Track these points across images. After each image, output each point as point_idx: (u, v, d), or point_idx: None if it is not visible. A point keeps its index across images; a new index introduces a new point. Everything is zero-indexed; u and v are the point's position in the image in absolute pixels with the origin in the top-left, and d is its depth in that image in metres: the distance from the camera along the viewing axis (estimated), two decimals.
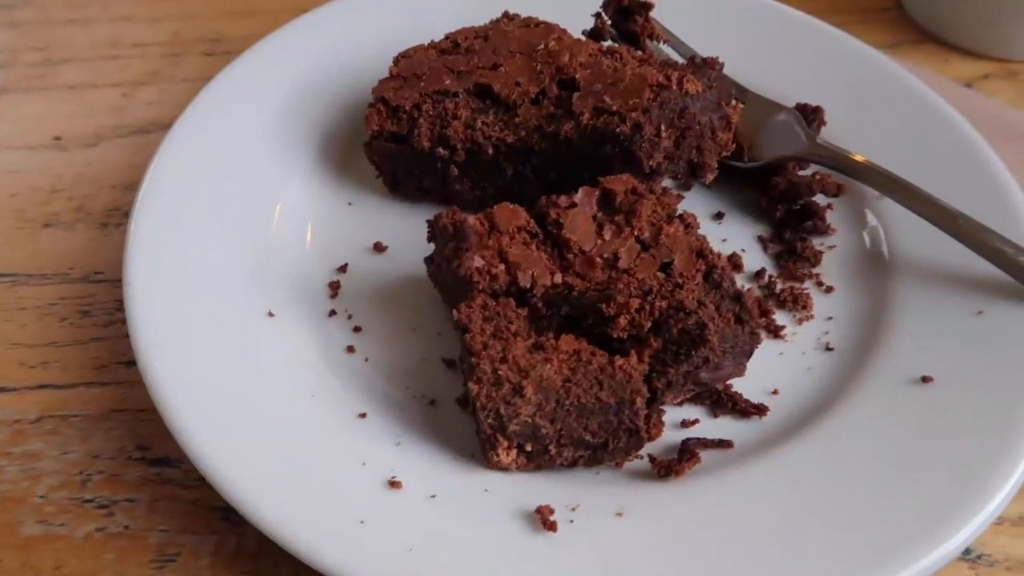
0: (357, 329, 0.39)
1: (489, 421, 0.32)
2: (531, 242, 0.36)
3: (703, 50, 0.45)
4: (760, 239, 0.44)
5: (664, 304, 0.35)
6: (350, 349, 0.38)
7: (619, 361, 0.33)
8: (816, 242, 0.43)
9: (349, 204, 0.44)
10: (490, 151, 0.41)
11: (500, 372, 0.32)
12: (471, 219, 0.36)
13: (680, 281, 0.35)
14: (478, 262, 0.35)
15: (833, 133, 0.46)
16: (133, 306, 0.35)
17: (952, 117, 0.46)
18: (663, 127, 0.39)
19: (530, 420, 0.32)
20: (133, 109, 0.51)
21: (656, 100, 0.39)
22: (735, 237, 0.44)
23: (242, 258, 0.39)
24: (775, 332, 0.40)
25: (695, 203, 0.46)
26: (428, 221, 0.37)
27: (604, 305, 0.35)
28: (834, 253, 0.43)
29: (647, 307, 0.35)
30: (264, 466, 0.32)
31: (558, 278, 0.36)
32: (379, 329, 0.39)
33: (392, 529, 0.30)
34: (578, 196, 0.37)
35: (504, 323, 0.34)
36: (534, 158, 0.41)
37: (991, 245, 0.38)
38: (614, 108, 0.39)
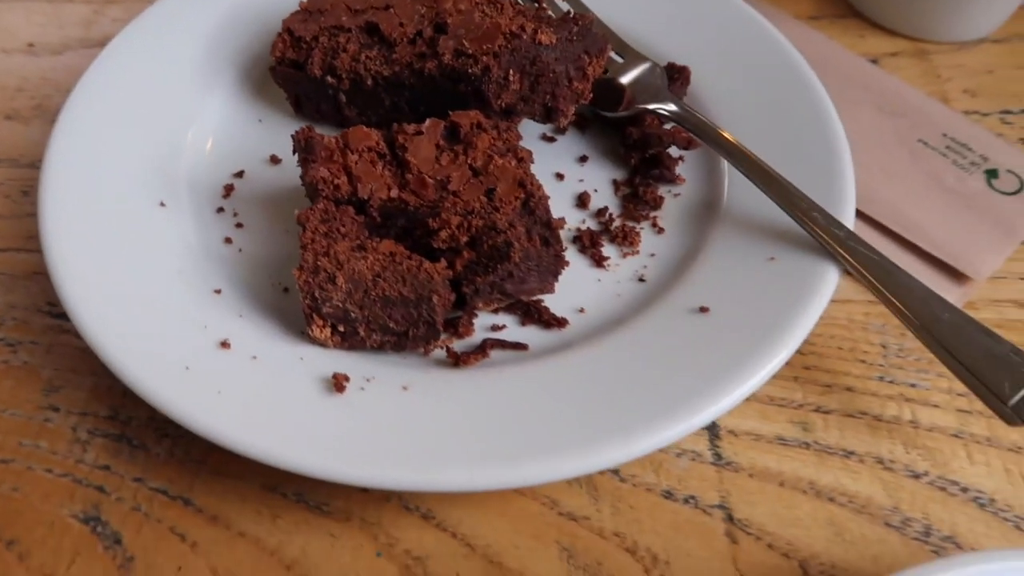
0: (239, 225, 0.46)
1: (307, 302, 0.38)
2: (378, 161, 0.42)
3: (604, 11, 0.50)
4: (614, 182, 0.49)
5: (481, 223, 0.40)
6: (228, 240, 0.45)
7: (426, 264, 0.39)
8: (664, 189, 0.48)
9: (259, 121, 0.51)
10: (369, 82, 0.46)
11: (320, 263, 0.38)
12: (327, 137, 0.42)
13: (499, 205, 0.41)
14: (322, 172, 0.41)
15: (704, 93, 0.51)
16: (44, 187, 0.43)
17: (814, 87, 0.49)
18: (512, 71, 0.44)
19: (341, 305, 0.38)
20: (100, 24, 0.58)
21: (508, 47, 0.44)
22: (592, 179, 0.49)
23: (150, 157, 0.46)
24: (599, 262, 0.45)
25: (567, 146, 0.51)
26: (291, 136, 0.43)
27: (431, 220, 0.41)
28: (677, 200, 0.48)
29: (466, 224, 0.40)
30: (123, 322, 0.39)
31: (394, 193, 0.41)
32: (258, 227, 0.46)
33: (211, 376, 0.37)
34: (425, 125, 0.43)
35: (338, 226, 0.40)
36: (407, 92, 0.47)
37: (802, 208, 0.42)
38: (470, 51, 0.44)
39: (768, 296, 0.40)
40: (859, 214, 0.49)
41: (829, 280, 0.41)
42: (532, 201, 0.41)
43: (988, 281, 0.48)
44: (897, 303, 0.39)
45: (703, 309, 0.41)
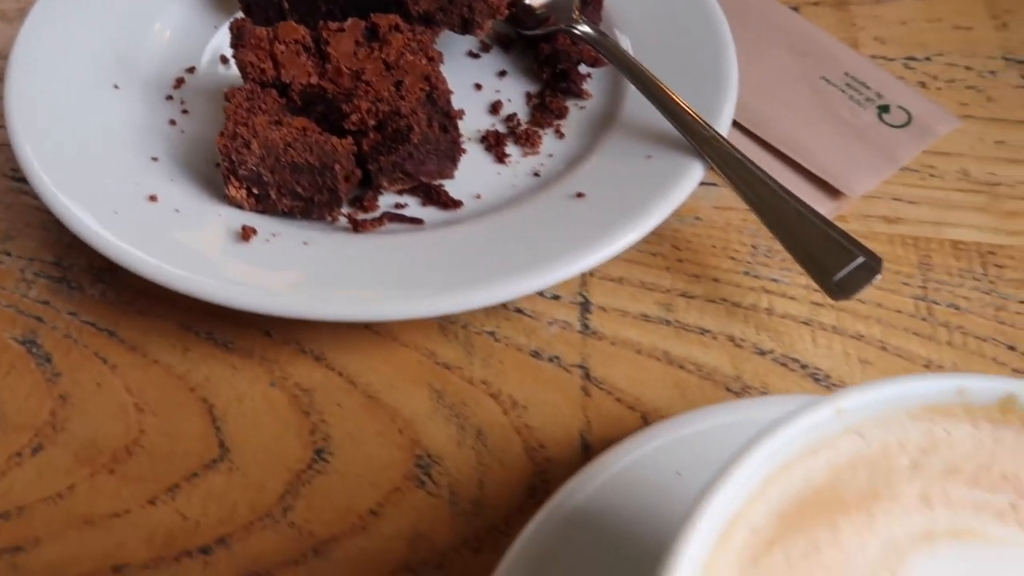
0: (185, 111, 0.51)
1: (225, 164, 0.44)
2: (303, 53, 0.47)
3: None
4: (528, 95, 0.54)
5: (387, 109, 0.46)
6: (172, 122, 0.50)
7: (333, 139, 0.44)
8: (571, 102, 0.53)
9: (215, 27, 0.56)
10: None
11: (238, 130, 0.44)
12: (259, 29, 0.47)
13: (404, 95, 0.46)
14: (251, 56, 0.46)
15: (616, 20, 0.56)
16: (11, 69, 0.49)
17: (717, 20, 0.54)
18: None
19: (255, 168, 0.44)
20: None
21: None
22: (508, 91, 0.54)
23: (109, 47, 0.52)
24: (501, 158, 0.50)
25: (489, 63, 0.56)
26: (228, 27, 0.48)
27: (344, 105, 0.46)
28: (582, 112, 0.53)
29: (374, 109, 0.46)
30: (70, 181, 0.44)
31: (314, 80, 0.47)
32: (201, 114, 0.51)
33: (136, 222, 0.43)
34: (347, 24, 0.48)
35: (260, 103, 0.46)
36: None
37: (681, 118, 0.47)
38: None
39: (638, 185, 0.45)
40: (755, 138, 0.54)
41: (694, 173, 0.45)
42: (435, 93, 0.46)
43: (862, 199, 0.52)
44: (748, 193, 0.44)
45: (580, 195, 0.46)
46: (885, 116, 0.56)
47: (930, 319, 0.46)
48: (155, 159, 0.47)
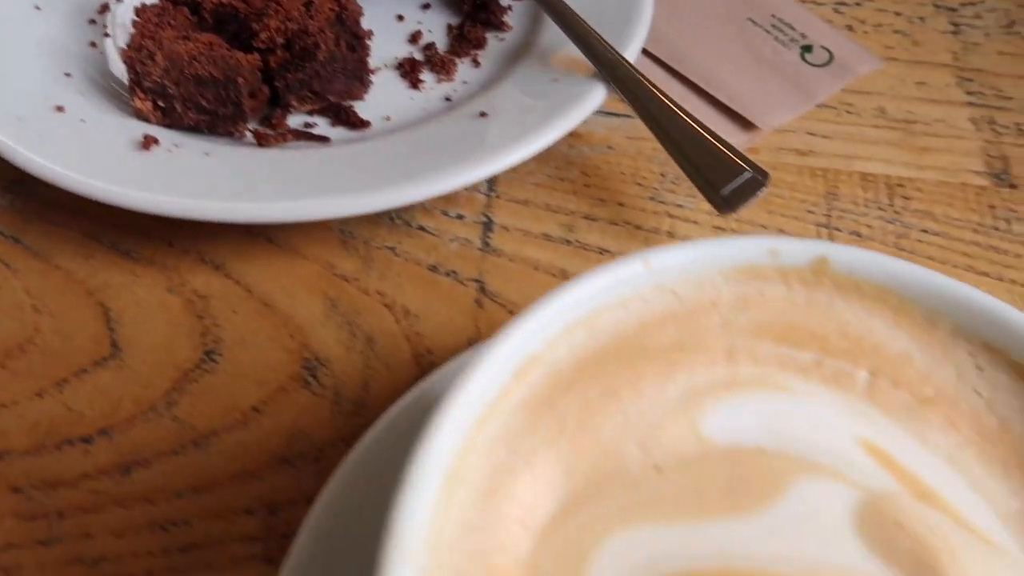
0: (106, 35, 0.52)
1: (130, 76, 0.44)
2: None
3: None
4: (449, 26, 0.54)
5: (296, 27, 0.46)
6: (92, 44, 0.51)
7: (238, 54, 0.45)
8: (491, 34, 0.54)
9: None
10: None
11: (144, 43, 0.44)
12: None
13: (313, 15, 0.46)
14: None
15: None
16: None
17: None
18: None
19: (159, 80, 0.44)
20: None
21: None
22: (429, 22, 0.54)
23: None
24: (415, 84, 0.50)
25: None
26: None
27: (255, 24, 0.47)
28: (501, 44, 0.53)
29: (283, 28, 0.46)
30: None
31: None
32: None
33: (39, 131, 0.43)
34: None
35: (169, 19, 0.46)
36: None
37: (593, 46, 0.48)
38: None
39: (540, 106, 0.46)
40: (675, 73, 0.54)
41: (597, 94, 0.46)
42: (344, 13, 0.47)
43: (777, 133, 0.52)
44: (646, 112, 0.44)
45: (483, 114, 0.46)
46: (807, 56, 0.56)
47: None
48: (68, 75, 0.48)
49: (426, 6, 0.55)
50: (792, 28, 0.58)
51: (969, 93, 0.56)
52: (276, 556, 0.34)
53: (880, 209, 0.48)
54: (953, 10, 0.61)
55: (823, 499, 0.23)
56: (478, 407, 0.22)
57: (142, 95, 0.45)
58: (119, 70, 0.47)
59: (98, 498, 0.36)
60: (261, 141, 0.46)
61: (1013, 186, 0.51)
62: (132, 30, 0.45)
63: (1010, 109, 0.55)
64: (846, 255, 0.26)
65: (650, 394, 0.24)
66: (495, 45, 0.53)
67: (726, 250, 0.26)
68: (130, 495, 0.36)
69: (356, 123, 0.48)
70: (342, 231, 0.45)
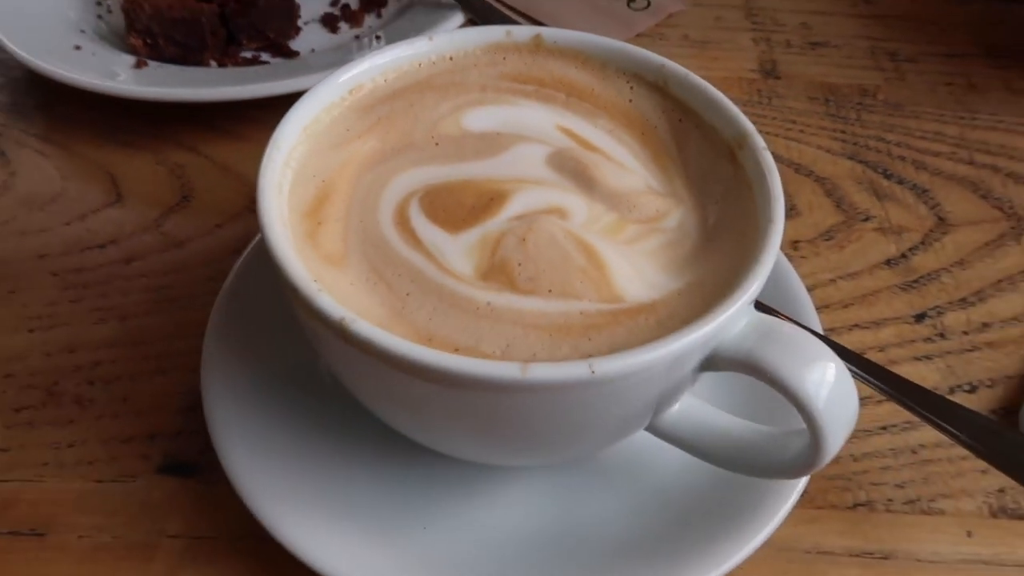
0: (110, 11, 0.71)
1: (127, 20, 0.63)
2: None
3: None
4: None
5: None
6: (98, 3, 0.70)
7: (203, 4, 0.64)
8: None
9: None
10: None
11: None
12: None
13: None
14: None
15: None
16: None
17: None
18: None
19: (147, 23, 0.63)
20: None
21: None
22: None
23: None
24: (334, 30, 0.69)
25: None
26: None
27: None
28: (400, 2, 0.73)
29: None
30: (26, 36, 0.63)
31: None
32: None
33: (63, 59, 0.62)
34: None
35: None
36: None
37: None
38: None
39: (412, 28, 0.64)
40: (517, 11, 0.73)
41: (457, 18, 0.64)
42: None
43: None
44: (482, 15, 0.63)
45: (378, 37, 0.65)
46: (632, 4, 0.76)
47: None
48: (82, 31, 0.66)
49: None
50: None
51: (754, 24, 0.75)
52: None
53: None
54: None
55: (530, 152, 0.40)
56: (326, 103, 0.40)
57: (135, 35, 0.63)
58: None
59: (110, 276, 0.53)
60: (221, 64, 0.64)
61: (777, 77, 0.69)
62: None
63: (783, 31, 0.74)
64: (552, 33, 0.43)
65: (432, 106, 0.41)
66: (393, 3, 0.72)
67: (482, 33, 0.43)
68: (131, 274, 0.53)
69: (288, 54, 0.66)
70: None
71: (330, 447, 0.41)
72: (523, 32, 0.44)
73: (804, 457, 0.34)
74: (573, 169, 0.39)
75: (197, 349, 0.43)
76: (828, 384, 0.31)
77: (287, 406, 0.42)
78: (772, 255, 0.33)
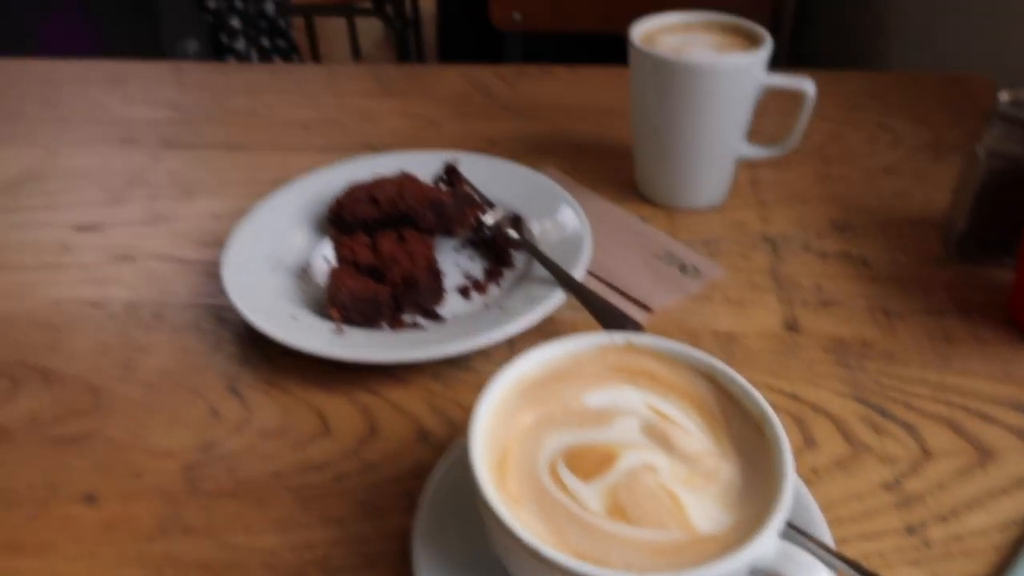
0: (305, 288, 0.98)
1: (328, 299, 0.90)
2: (368, 246, 0.95)
3: (490, 190, 1.05)
4: (484, 267, 1.00)
5: (407, 273, 0.92)
6: (302, 285, 0.97)
7: (380, 287, 0.90)
8: (506, 270, 0.99)
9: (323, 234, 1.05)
10: (366, 221, 1.01)
11: (337, 285, 0.90)
12: (345, 237, 0.95)
13: (415, 264, 0.92)
14: (343, 250, 0.94)
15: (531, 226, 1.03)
16: (227, 254, 0.97)
17: (584, 221, 1.01)
18: (429, 212, 0.97)
19: (344, 301, 0.89)
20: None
21: (427, 200, 0.97)
22: (474, 264, 1.00)
23: (274, 249, 1.01)
24: (466, 297, 0.95)
25: (465, 249, 1.03)
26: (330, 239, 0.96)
27: (387, 272, 0.92)
28: (513, 272, 0.98)
29: (399, 271, 0.92)
30: (255, 305, 0.90)
31: (372, 259, 0.93)
32: (317, 288, 0.98)
33: (283, 325, 0.88)
34: (387, 233, 0.96)
35: (348, 271, 0.92)
36: (386, 220, 1.00)
37: (557, 270, 0.93)
38: (411, 203, 0.98)
39: (528, 302, 0.89)
40: (605, 282, 0.99)
41: (559, 295, 0.89)
42: (430, 263, 0.93)
43: (664, 312, 0.95)
44: (577, 291, 0.88)
45: (500, 308, 0.90)
46: (683, 271, 1.01)
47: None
48: (295, 302, 0.93)
49: (471, 256, 1.02)
50: (675, 257, 1.03)
51: (778, 286, 0.99)
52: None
53: (716, 349, 0.90)
54: (771, 241, 1.06)
55: (629, 423, 0.63)
56: (499, 391, 0.63)
57: (335, 308, 0.89)
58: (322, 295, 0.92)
59: (328, 491, 0.75)
60: (392, 327, 0.89)
61: (798, 331, 0.92)
62: (327, 279, 0.91)
63: (801, 292, 0.98)
64: (639, 338, 0.67)
65: (564, 389, 0.65)
66: (508, 274, 0.98)
67: (593, 339, 0.67)
68: (342, 490, 0.75)
69: (436, 318, 0.92)
70: (433, 373, 0.87)
71: None
72: (619, 337, 0.68)
73: None
74: (658, 436, 0.61)
75: (403, 549, 0.65)
76: None
77: None
78: (789, 499, 0.54)
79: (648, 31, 1.08)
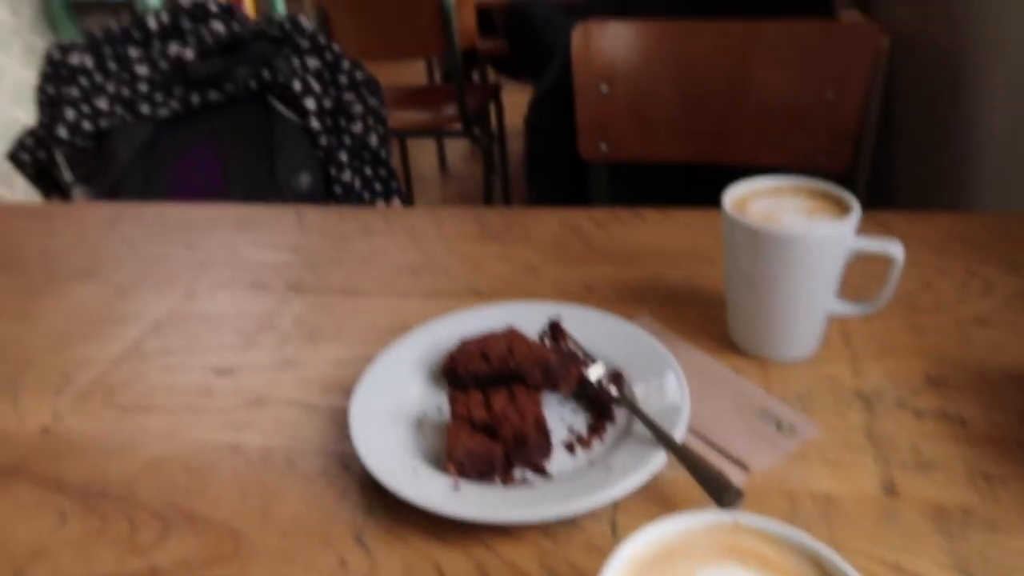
0: (424, 435, 1.06)
1: (446, 456, 0.97)
2: (481, 404, 1.03)
3: (592, 345, 1.13)
4: (587, 422, 1.06)
5: (517, 430, 0.99)
6: (422, 439, 1.06)
7: (493, 445, 0.97)
8: (608, 424, 1.05)
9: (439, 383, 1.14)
10: (478, 376, 1.09)
11: (454, 443, 0.97)
12: (460, 395, 1.04)
13: (524, 420, 0.99)
14: (459, 408, 1.02)
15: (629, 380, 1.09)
16: (353, 404, 1.06)
17: (680, 376, 1.06)
18: (536, 370, 1.05)
19: (459, 458, 0.96)
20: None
21: (535, 358, 1.05)
22: (578, 418, 1.07)
23: (393, 400, 1.10)
24: (572, 451, 1.01)
25: (570, 404, 1.10)
26: (447, 396, 1.05)
27: (498, 428, 1.00)
28: (615, 427, 1.04)
29: (511, 428, 0.99)
30: (377, 455, 0.99)
31: (485, 416, 1.01)
32: (437, 436, 1.06)
33: (404, 480, 0.95)
34: (499, 392, 1.04)
35: (463, 427, 1.00)
36: (497, 376, 1.08)
37: (658, 430, 0.99)
38: (520, 361, 1.06)
39: (632, 464, 0.95)
40: (704, 439, 1.04)
41: (661, 457, 0.95)
42: (538, 420, 1.00)
43: (764, 472, 0.99)
44: (688, 460, 0.93)
45: (608, 466, 0.96)
46: (780, 429, 1.05)
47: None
48: (416, 457, 1.01)
49: (575, 409, 1.09)
50: (771, 413, 1.07)
51: (874, 446, 1.02)
52: None
53: (814, 513, 0.93)
54: (864, 397, 1.09)
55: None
56: (617, 571, 0.69)
57: (452, 463, 0.97)
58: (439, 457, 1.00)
59: None
60: (504, 483, 0.96)
61: (896, 495, 0.94)
62: (445, 434, 0.99)
63: (898, 452, 1.00)
64: (747, 519, 0.72)
65: (678, 569, 0.69)
66: (610, 428, 1.04)
67: (704, 517, 0.72)
68: None
69: (544, 473, 0.98)
70: (543, 530, 0.93)
71: None
72: (727, 516, 0.73)
73: None
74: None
75: None
76: None
77: None
78: None
79: (739, 197, 1.16)
